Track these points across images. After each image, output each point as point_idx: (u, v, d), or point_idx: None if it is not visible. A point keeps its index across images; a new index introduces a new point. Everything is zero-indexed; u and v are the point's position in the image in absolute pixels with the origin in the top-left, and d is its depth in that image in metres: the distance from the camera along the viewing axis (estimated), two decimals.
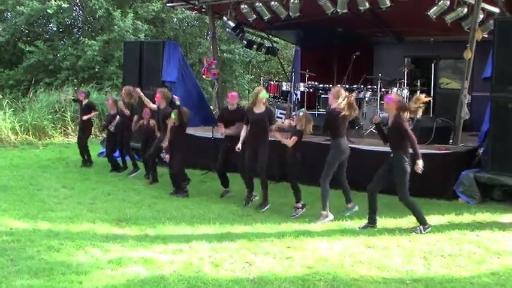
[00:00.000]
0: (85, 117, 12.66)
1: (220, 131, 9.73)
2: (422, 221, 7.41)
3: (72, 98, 13.05)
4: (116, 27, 20.99)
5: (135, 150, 12.33)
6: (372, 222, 7.68)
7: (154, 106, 10.83)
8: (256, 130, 8.85)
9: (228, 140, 9.60)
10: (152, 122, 11.10)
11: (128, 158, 12.03)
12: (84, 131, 12.91)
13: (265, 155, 8.73)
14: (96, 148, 14.12)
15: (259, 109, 8.89)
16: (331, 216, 8.08)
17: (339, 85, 11.62)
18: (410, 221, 7.84)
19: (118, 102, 12.12)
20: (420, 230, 7.31)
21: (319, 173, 10.05)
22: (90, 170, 12.34)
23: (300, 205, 8.51)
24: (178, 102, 9.71)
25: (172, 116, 9.64)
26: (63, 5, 21.10)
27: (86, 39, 21.08)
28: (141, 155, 12.01)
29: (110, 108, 12.41)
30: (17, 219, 7.79)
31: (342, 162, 8.28)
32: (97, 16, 22.22)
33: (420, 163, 7.16)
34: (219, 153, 9.78)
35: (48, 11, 20.80)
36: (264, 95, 8.95)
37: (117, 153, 12.24)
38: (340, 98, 8.05)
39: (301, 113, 8.48)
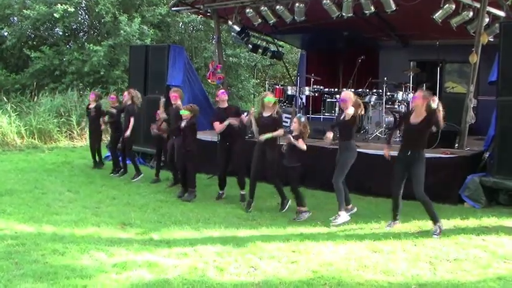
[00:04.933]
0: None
1: (218, 128, 9.55)
2: (436, 219, 7.47)
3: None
4: (122, 32, 21.03)
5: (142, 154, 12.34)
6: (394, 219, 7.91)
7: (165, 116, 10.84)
8: (262, 132, 8.84)
9: (226, 139, 9.66)
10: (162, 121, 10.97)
11: (128, 162, 12.02)
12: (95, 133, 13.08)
13: (273, 159, 8.70)
14: (102, 152, 14.14)
15: (267, 113, 8.92)
16: (348, 217, 8.07)
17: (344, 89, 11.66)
18: (415, 225, 7.84)
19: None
20: (438, 228, 7.38)
21: (323, 177, 10.07)
22: (96, 173, 12.36)
23: (304, 209, 8.50)
24: None
25: (184, 112, 9.60)
26: (70, 9, 21.14)
27: (92, 45, 21.09)
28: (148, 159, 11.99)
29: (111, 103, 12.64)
30: (22, 222, 7.80)
31: None
32: (102, 21, 22.27)
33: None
34: (218, 156, 9.81)
35: (55, 15, 20.84)
36: (268, 99, 8.94)
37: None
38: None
39: (302, 119, 8.45)
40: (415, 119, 7.58)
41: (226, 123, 9.42)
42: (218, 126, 9.52)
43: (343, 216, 8.01)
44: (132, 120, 11.43)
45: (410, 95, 12.72)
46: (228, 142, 9.63)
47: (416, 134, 7.58)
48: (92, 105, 12.92)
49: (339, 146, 8.32)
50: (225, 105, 9.81)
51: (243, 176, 9.57)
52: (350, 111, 7.91)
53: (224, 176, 9.88)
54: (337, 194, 8.07)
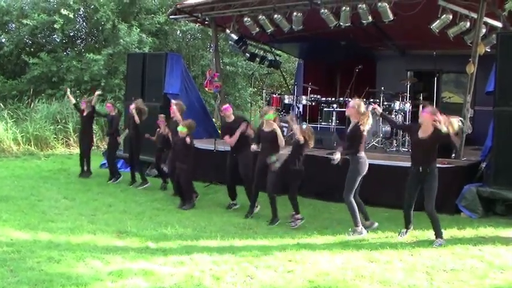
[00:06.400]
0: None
1: (230, 142, 9.59)
2: (439, 235, 7.49)
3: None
4: (121, 41, 21.01)
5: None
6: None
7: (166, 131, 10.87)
8: (264, 146, 8.88)
9: (234, 151, 9.64)
10: (168, 130, 10.91)
11: (127, 169, 12.02)
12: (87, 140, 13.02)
13: (272, 173, 8.66)
14: (98, 159, 14.13)
15: (268, 128, 8.94)
16: (365, 232, 7.96)
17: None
18: (412, 235, 7.83)
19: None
20: (440, 243, 7.38)
21: (320, 186, 10.05)
22: (92, 181, 12.33)
23: (299, 216, 8.48)
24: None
25: (182, 129, 9.61)
26: (70, 15, 21.09)
27: (92, 54, 21.04)
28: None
29: (110, 112, 12.59)
30: (17, 229, 7.76)
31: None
32: (101, 28, 22.23)
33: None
34: (226, 166, 9.81)
35: (55, 25, 20.78)
36: (269, 116, 8.97)
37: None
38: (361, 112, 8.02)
39: (304, 126, 8.44)
40: (422, 134, 7.56)
41: (237, 134, 9.44)
42: (229, 140, 9.54)
43: (358, 231, 7.92)
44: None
45: (407, 105, 12.78)
46: (235, 153, 9.63)
47: (424, 150, 7.54)
48: (86, 112, 12.83)
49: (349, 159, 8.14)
50: (232, 118, 9.80)
51: (251, 188, 9.52)
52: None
53: (233, 186, 9.86)
54: (349, 210, 7.97)
